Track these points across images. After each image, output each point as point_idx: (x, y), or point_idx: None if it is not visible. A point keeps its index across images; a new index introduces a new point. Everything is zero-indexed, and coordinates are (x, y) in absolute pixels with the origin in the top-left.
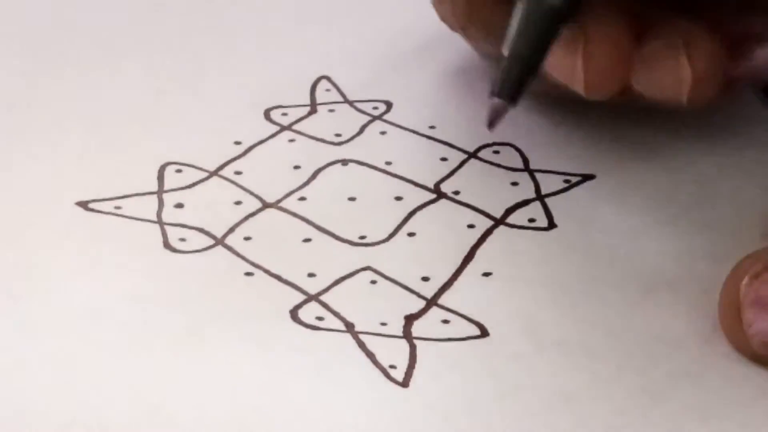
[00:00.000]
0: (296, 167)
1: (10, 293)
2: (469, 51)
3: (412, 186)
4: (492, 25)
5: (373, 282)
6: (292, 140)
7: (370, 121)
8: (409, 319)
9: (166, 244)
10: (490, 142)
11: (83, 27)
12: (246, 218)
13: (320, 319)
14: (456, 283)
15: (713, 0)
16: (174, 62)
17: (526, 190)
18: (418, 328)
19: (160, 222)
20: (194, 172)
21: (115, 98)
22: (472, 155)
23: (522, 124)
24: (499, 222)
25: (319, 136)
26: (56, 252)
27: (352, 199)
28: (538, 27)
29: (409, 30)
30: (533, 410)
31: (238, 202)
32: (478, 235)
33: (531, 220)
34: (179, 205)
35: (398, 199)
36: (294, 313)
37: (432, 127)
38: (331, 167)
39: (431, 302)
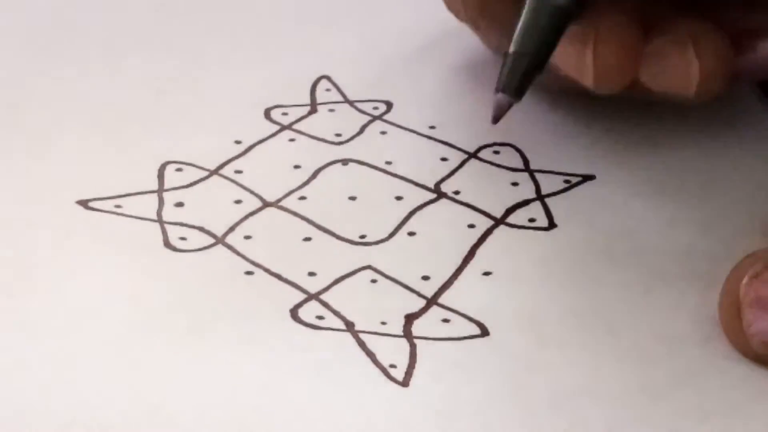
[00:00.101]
0: (296, 167)
1: (10, 292)
2: (469, 51)
3: (412, 186)
4: (504, 19)
5: (374, 281)
6: (292, 140)
7: (370, 121)
8: (410, 319)
9: (167, 243)
10: (491, 142)
11: (83, 26)
12: (246, 217)
13: (320, 318)
14: (456, 283)
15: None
16: (174, 61)
17: (527, 190)
18: (418, 328)
19: (160, 221)
20: (194, 171)
21: (116, 97)
22: (473, 155)
23: (522, 125)
24: (499, 222)
25: (319, 136)
26: (56, 250)
27: (352, 198)
28: (544, 24)
29: (410, 30)
30: (533, 409)
31: (238, 201)
32: (479, 235)
33: (531, 220)
34: (179, 204)
35: (398, 198)
36: (294, 312)
37: (432, 127)
38: (331, 167)
39: (431, 301)
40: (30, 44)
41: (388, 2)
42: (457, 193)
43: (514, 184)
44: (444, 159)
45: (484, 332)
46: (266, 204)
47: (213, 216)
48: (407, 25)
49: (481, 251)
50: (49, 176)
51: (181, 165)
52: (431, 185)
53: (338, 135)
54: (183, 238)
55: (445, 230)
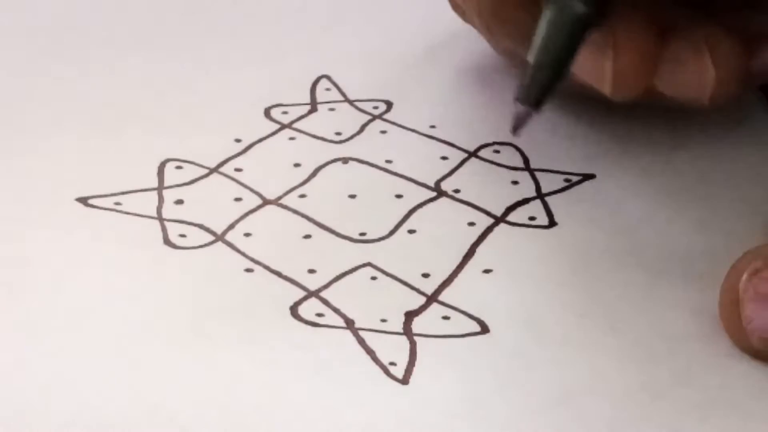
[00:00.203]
0: (296, 165)
1: (10, 289)
2: (470, 51)
3: (412, 184)
4: (518, 23)
5: (374, 278)
6: (292, 138)
7: (370, 120)
8: (410, 316)
9: (166, 240)
10: (491, 141)
11: (83, 24)
12: (246, 214)
13: (320, 315)
14: (456, 280)
15: (726, 1)
16: (175, 60)
17: (527, 189)
18: (418, 325)
19: (160, 218)
20: (194, 169)
21: (116, 95)
22: (473, 154)
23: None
24: (499, 220)
25: (319, 135)
26: (56, 247)
27: (352, 196)
28: (565, 34)
29: (410, 30)
30: (533, 407)
31: (238, 199)
32: (479, 233)
33: (531, 218)
34: (179, 202)
35: (398, 196)
36: (294, 310)
37: (432, 127)
38: (331, 165)
39: (431, 299)
40: (30, 43)
41: (389, 2)
42: (457, 191)
43: (515, 182)
44: (444, 158)
45: (484, 329)
46: (266, 201)
47: (213, 213)
48: (408, 25)
49: (481, 249)
50: (49, 173)
51: (181, 163)
52: (431, 183)
53: (338, 134)
54: (183, 236)
55: (445, 228)
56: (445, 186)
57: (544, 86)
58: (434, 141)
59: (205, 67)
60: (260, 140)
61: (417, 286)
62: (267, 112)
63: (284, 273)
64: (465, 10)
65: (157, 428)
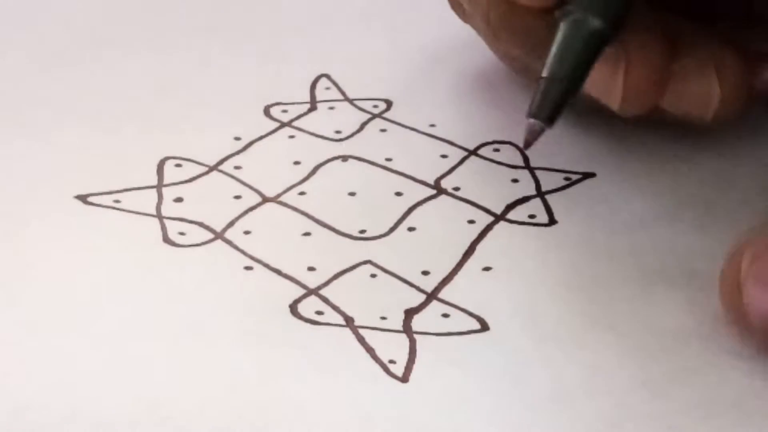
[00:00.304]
0: (296, 163)
1: (9, 287)
2: (471, 51)
3: (412, 182)
4: (527, 32)
5: (373, 276)
6: (292, 136)
7: (370, 119)
8: (409, 314)
9: (166, 238)
10: (490, 140)
11: (83, 23)
12: (246, 212)
13: (320, 313)
14: (456, 278)
15: (729, 17)
16: (175, 58)
17: (527, 187)
18: (418, 323)
19: (159, 216)
20: (194, 167)
21: (116, 93)
22: (473, 153)
23: (522, 123)
24: (499, 218)
25: (319, 133)
26: (55, 245)
27: (352, 194)
28: (580, 50)
29: (410, 29)
30: (533, 405)
31: (237, 197)
32: (479, 231)
33: (531, 216)
34: (179, 199)
35: (398, 194)
36: (293, 308)
37: (432, 125)
38: (331, 163)
39: (431, 296)
40: (30, 42)
41: (389, 2)
42: (457, 189)
43: (514, 180)
44: (444, 156)
45: (484, 327)
46: (266, 199)
47: (212, 211)
48: (408, 24)
49: (481, 247)
50: (48, 171)
51: (180, 160)
52: (431, 181)
53: (338, 132)
54: (182, 233)
55: (445, 226)
56: (445, 184)
57: (558, 101)
58: (434, 139)
59: (205, 66)
60: (260, 138)
61: (417, 283)
62: (267, 111)
63: (284, 271)
64: (471, 15)
65: (156, 425)
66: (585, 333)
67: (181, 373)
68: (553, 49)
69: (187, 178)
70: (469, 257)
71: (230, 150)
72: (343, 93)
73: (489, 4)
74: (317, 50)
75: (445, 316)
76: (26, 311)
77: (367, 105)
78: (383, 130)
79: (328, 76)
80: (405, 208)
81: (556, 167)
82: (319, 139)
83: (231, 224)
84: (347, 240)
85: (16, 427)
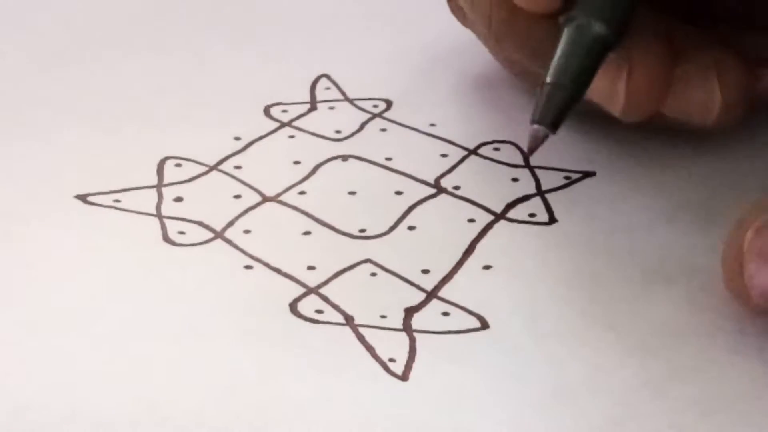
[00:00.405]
0: (296, 162)
1: (9, 287)
2: (470, 49)
3: (412, 181)
4: (529, 37)
5: (373, 274)
6: (291, 136)
7: (370, 119)
8: (409, 312)
9: (166, 238)
10: (490, 139)
11: (83, 23)
12: (245, 211)
13: (320, 312)
14: (456, 276)
15: (729, 19)
16: (175, 58)
17: (527, 186)
18: (417, 321)
19: (159, 215)
20: (193, 167)
21: (116, 92)
22: (473, 152)
23: (523, 122)
24: (499, 217)
25: (319, 133)
26: (55, 245)
27: (352, 193)
28: (583, 56)
29: (410, 29)
30: (533, 403)
31: (237, 196)
32: (479, 229)
33: (531, 215)
34: (178, 199)
35: (398, 193)
36: (293, 306)
37: (432, 125)
38: (330, 162)
39: (431, 295)
40: (30, 42)
41: (389, 2)
42: (457, 188)
43: (515, 179)
44: (444, 155)
45: (484, 325)
46: (265, 198)
47: (212, 210)
48: (408, 24)
49: (481, 245)
50: (49, 171)
51: (180, 160)
52: (431, 180)
53: (338, 132)
54: (182, 233)
55: (445, 224)
56: (445, 183)
57: (561, 108)
58: (434, 139)
59: (205, 65)
60: (260, 138)
61: (417, 282)
62: (267, 111)
63: (284, 270)
64: (473, 20)
65: (156, 425)
66: (585, 331)
67: (180, 372)
68: (557, 54)
69: (187, 177)
70: (469, 256)
71: (230, 150)
72: (343, 93)
73: (491, 9)
74: (317, 50)
75: (445, 314)
76: (26, 311)
77: (367, 105)
78: (383, 130)
79: (328, 76)
80: (405, 207)
81: (556, 166)
82: (319, 139)
83: (231, 223)
84: (347, 239)
85: (16, 427)
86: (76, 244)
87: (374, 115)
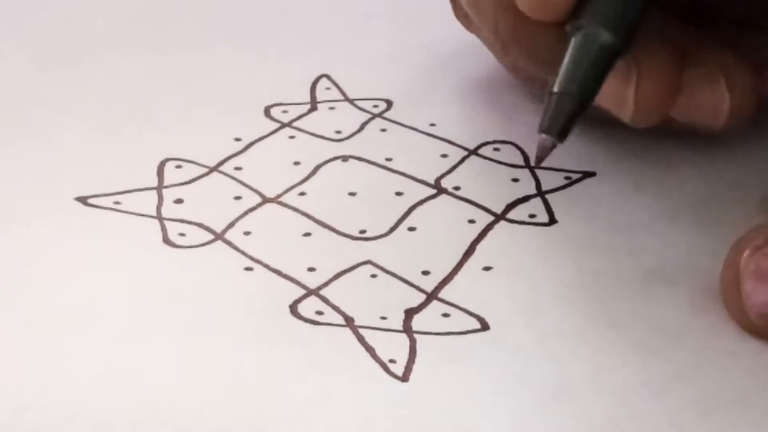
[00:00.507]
0: (296, 163)
1: (10, 288)
2: (470, 50)
3: (412, 181)
4: (535, 43)
5: (374, 276)
6: (292, 137)
7: (370, 119)
8: (409, 313)
9: (166, 239)
10: (491, 139)
11: (83, 22)
12: (246, 213)
13: (320, 313)
14: (456, 277)
15: (735, 26)
16: (175, 59)
17: (527, 187)
18: (418, 322)
19: (159, 217)
20: (194, 168)
21: (116, 93)
22: (473, 152)
23: (523, 123)
24: (499, 217)
25: (319, 133)
26: (55, 247)
27: (352, 194)
28: (591, 64)
29: (411, 29)
30: (534, 404)
31: (237, 197)
32: (479, 230)
33: (532, 216)
34: (179, 201)
35: (398, 194)
36: (293, 308)
37: (432, 125)
38: (331, 163)
39: (431, 296)
40: (30, 42)
41: (390, 2)
42: (457, 188)
43: (515, 180)
44: (444, 155)
45: (485, 327)
46: (266, 200)
47: (212, 212)
48: (408, 24)
49: (481, 246)
50: (49, 173)
51: (180, 162)
52: (431, 181)
53: (338, 132)
54: (182, 235)
55: (445, 225)
56: (446, 183)
57: (569, 116)
58: (434, 139)
59: (205, 66)
60: (260, 139)
61: (417, 283)
62: (267, 111)
63: (284, 271)
64: (478, 26)
65: (156, 426)
66: (586, 331)
67: (181, 373)
68: (565, 63)
69: (187, 179)
70: (469, 257)
71: (230, 151)
72: (343, 93)
73: (497, 16)
74: (317, 50)
75: (446, 315)
76: (26, 311)
77: (368, 105)
78: (383, 130)
79: (328, 77)
80: (405, 208)
81: (556, 167)
82: (320, 140)
83: (231, 225)
84: (347, 240)
85: (16, 427)
86: (77, 244)
87: (374, 116)
